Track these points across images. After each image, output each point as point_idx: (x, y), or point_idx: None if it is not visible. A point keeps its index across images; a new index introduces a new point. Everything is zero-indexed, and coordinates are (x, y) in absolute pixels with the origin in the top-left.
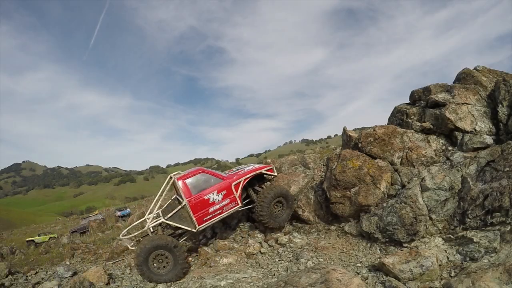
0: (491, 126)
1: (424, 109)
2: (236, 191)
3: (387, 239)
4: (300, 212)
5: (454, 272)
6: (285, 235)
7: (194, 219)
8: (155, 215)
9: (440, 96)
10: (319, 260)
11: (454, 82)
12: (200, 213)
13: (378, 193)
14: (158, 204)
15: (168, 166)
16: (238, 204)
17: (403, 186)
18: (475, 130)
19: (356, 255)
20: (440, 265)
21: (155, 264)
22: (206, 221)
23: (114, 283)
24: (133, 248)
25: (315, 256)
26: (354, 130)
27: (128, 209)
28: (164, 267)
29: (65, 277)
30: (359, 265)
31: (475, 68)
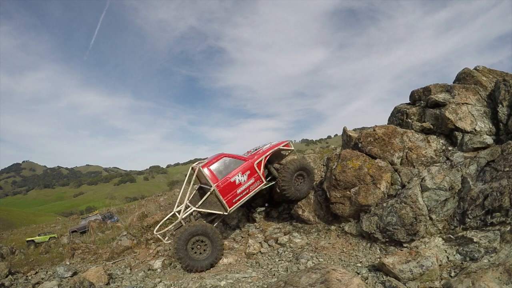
0: (491, 126)
1: (424, 109)
2: (259, 170)
3: (387, 239)
4: (300, 212)
5: (454, 272)
6: (285, 235)
7: (224, 202)
8: (184, 206)
9: (440, 96)
10: (319, 260)
11: (454, 82)
12: (229, 195)
13: (378, 193)
14: (179, 196)
15: (168, 166)
16: (263, 182)
17: (403, 186)
18: (475, 130)
19: (356, 255)
20: (440, 265)
21: (193, 250)
22: (235, 202)
23: (114, 283)
24: (168, 242)
25: (315, 256)
26: (354, 130)
27: (116, 217)
28: (201, 253)
29: (65, 277)
30: (359, 265)
31: (475, 68)
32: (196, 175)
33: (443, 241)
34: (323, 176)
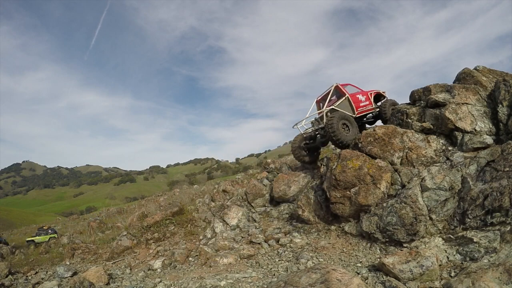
0: (491, 126)
1: (424, 109)
2: (371, 97)
3: (387, 239)
4: (300, 212)
5: (454, 272)
6: (285, 235)
7: (353, 106)
8: (326, 105)
9: (440, 96)
10: (319, 260)
11: (454, 82)
12: (355, 104)
13: (378, 193)
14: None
15: (168, 166)
16: (373, 107)
17: (403, 186)
18: (475, 130)
19: (356, 255)
20: (440, 265)
21: (343, 129)
22: (359, 112)
23: (114, 283)
24: (310, 129)
25: (315, 256)
26: None
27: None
28: (347, 132)
29: (65, 277)
30: (359, 265)
31: (475, 68)
32: (318, 104)
33: (443, 241)
34: (323, 176)
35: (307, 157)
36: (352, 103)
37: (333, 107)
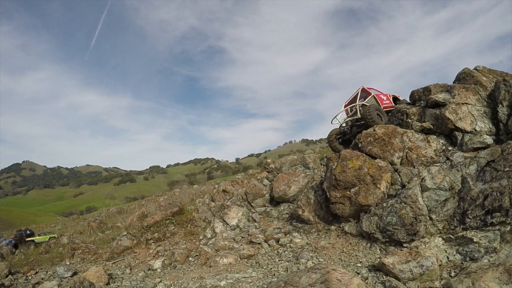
0: (491, 126)
1: (424, 109)
2: (390, 98)
3: (387, 239)
4: (300, 212)
5: (454, 272)
6: (285, 235)
7: (379, 102)
8: (358, 101)
9: (440, 96)
10: (319, 260)
11: (454, 82)
12: (380, 100)
13: (378, 193)
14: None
15: (168, 166)
16: (393, 106)
17: (403, 186)
18: (475, 130)
19: (356, 255)
20: (440, 265)
21: (377, 116)
22: (383, 108)
23: (114, 283)
24: (335, 123)
25: (315, 256)
26: None
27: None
28: (380, 120)
29: (65, 277)
30: (359, 265)
31: (475, 68)
32: (348, 104)
33: (443, 241)
34: (323, 176)
35: (341, 147)
36: (378, 99)
37: (363, 103)
